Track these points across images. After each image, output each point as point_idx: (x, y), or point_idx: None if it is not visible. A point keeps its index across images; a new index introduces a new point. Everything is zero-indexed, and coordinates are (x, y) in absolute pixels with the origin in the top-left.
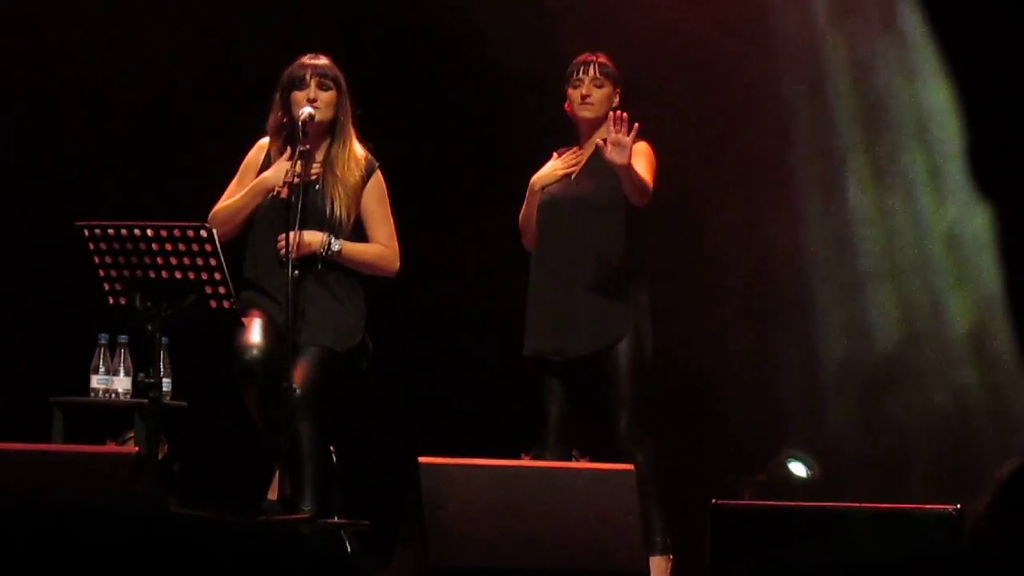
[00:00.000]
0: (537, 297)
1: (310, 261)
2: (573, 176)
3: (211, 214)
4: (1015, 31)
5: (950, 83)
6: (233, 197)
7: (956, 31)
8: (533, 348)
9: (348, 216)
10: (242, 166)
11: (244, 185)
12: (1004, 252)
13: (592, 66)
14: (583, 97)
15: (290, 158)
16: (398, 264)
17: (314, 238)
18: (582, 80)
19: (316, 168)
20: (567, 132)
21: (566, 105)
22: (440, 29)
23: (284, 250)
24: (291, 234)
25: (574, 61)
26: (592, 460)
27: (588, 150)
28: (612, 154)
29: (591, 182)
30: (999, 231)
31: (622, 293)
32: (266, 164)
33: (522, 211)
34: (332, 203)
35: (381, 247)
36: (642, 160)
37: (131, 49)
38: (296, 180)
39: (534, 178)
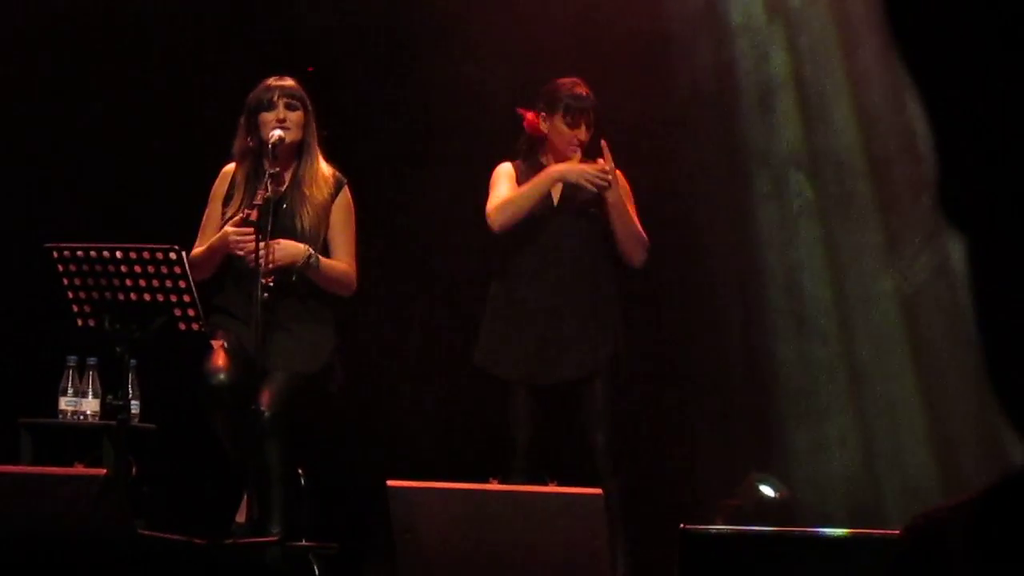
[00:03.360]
0: (523, 317)
1: (279, 283)
2: (555, 201)
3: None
4: (988, 59)
5: (923, 112)
6: (198, 250)
7: (928, 59)
8: (518, 371)
9: (319, 233)
10: (210, 197)
11: (214, 216)
12: (976, 284)
13: (589, 111)
14: (580, 142)
15: (246, 184)
16: (355, 286)
17: (296, 250)
18: (578, 123)
19: (283, 189)
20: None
21: (539, 123)
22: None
23: (256, 261)
24: (267, 243)
25: (568, 93)
26: (560, 484)
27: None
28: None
29: (580, 208)
30: (970, 262)
31: (610, 315)
32: (231, 192)
33: (522, 190)
34: (302, 222)
35: (346, 266)
36: (630, 205)
37: (102, 71)
38: (262, 202)
39: (561, 169)
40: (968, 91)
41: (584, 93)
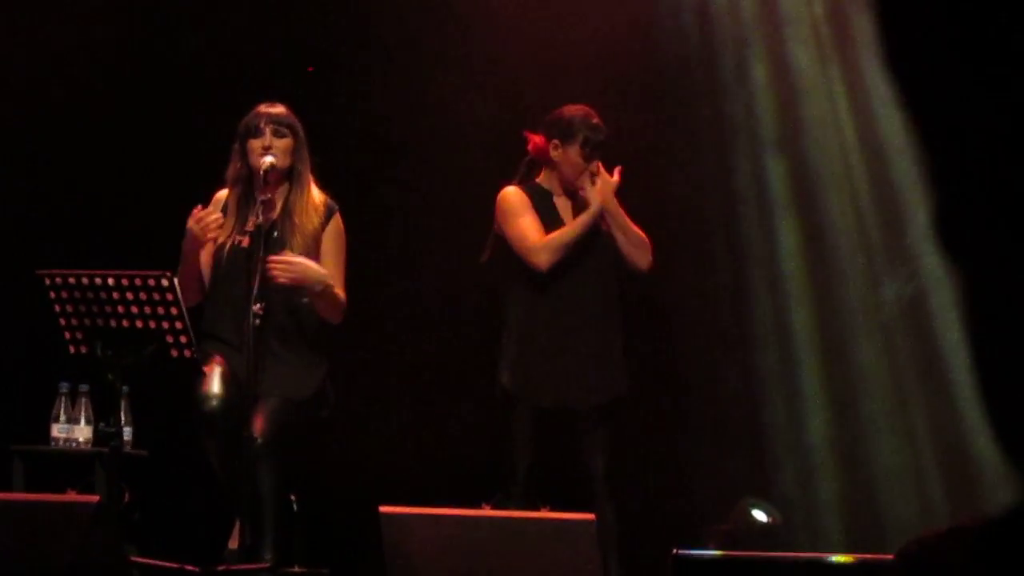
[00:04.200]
0: (553, 347)
1: (270, 310)
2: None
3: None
4: (984, 91)
5: (917, 144)
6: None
7: (924, 91)
8: (546, 400)
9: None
10: None
11: (206, 248)
12: (971, 319)
13: (604, 145)
14: (592, 174)
15: (238, 211)
16: (344, 313)
17: (319, 275)
18: (594, 156)
19: (274, 216)
20: (508, 167)
21: (549, 150)
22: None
23: (274, 271)
24: (285, 256)
25: (587, 124)
26: (552, 509)
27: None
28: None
29: (595, 234)
30: (966, 297)
31: (620, 340)
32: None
33: (571, 232)
34: (292, 250)
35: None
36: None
37: (94, 98)
38: (253, 228)
39: (596, 209)
40: (967, 123)
41: (601, 125)
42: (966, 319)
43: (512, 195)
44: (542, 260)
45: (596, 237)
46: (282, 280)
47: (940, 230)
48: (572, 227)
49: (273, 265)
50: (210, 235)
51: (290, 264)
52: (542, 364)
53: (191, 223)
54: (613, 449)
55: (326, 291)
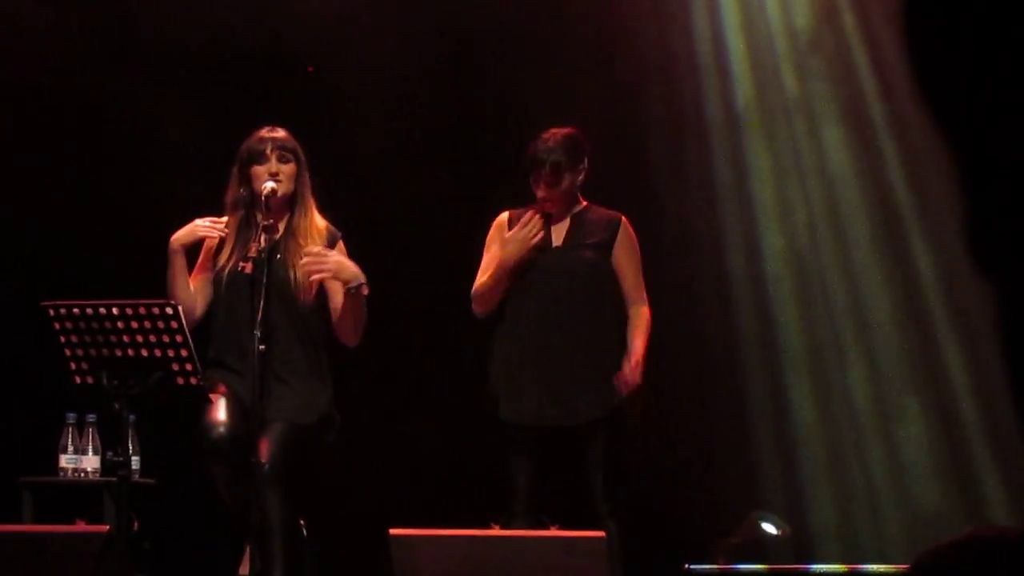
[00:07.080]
0: (528, 364)
1: (274, 335)
2: (555, 245)
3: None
4: (1014, 108)
5: (949, 160)
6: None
7: (955, 109)
8: (529, 415)
9: (312, 287)
10: (202, 250)
11: (204, 270)
12: (1004, 328)
13: (546, 167)
14: (542, 200)
15: (238, 236)
16: (361, 332)
17: (354, 272)
18: (538, 182)
19: (277, 238)
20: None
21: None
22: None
23: (309, 266)
24: (321, 254)
25: (530, 157)
26: (560, 527)
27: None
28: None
29: (579, 250)
30: (999, 307)
31: (612, 357)
32: (220, 244)
33: (484, 283)
34: (295, 272)
35: None
36: (633, 265)
37: (93, 127)
38: (256, 255)
39: (505, 256)
40: (998, 138)
41: (542, 147)
42: (1000, 330)
43: (494, 226)
44: (475, 311)
45: (564, 258)
46: (316, 276)
47: (972, 244)
48: (487, 279)
49: (308, 260)
50: (203, 233)
51: (324, 259)
52: (520, 383)
53: (197, 222)
54: (617, 465)
55: (359, 292)
